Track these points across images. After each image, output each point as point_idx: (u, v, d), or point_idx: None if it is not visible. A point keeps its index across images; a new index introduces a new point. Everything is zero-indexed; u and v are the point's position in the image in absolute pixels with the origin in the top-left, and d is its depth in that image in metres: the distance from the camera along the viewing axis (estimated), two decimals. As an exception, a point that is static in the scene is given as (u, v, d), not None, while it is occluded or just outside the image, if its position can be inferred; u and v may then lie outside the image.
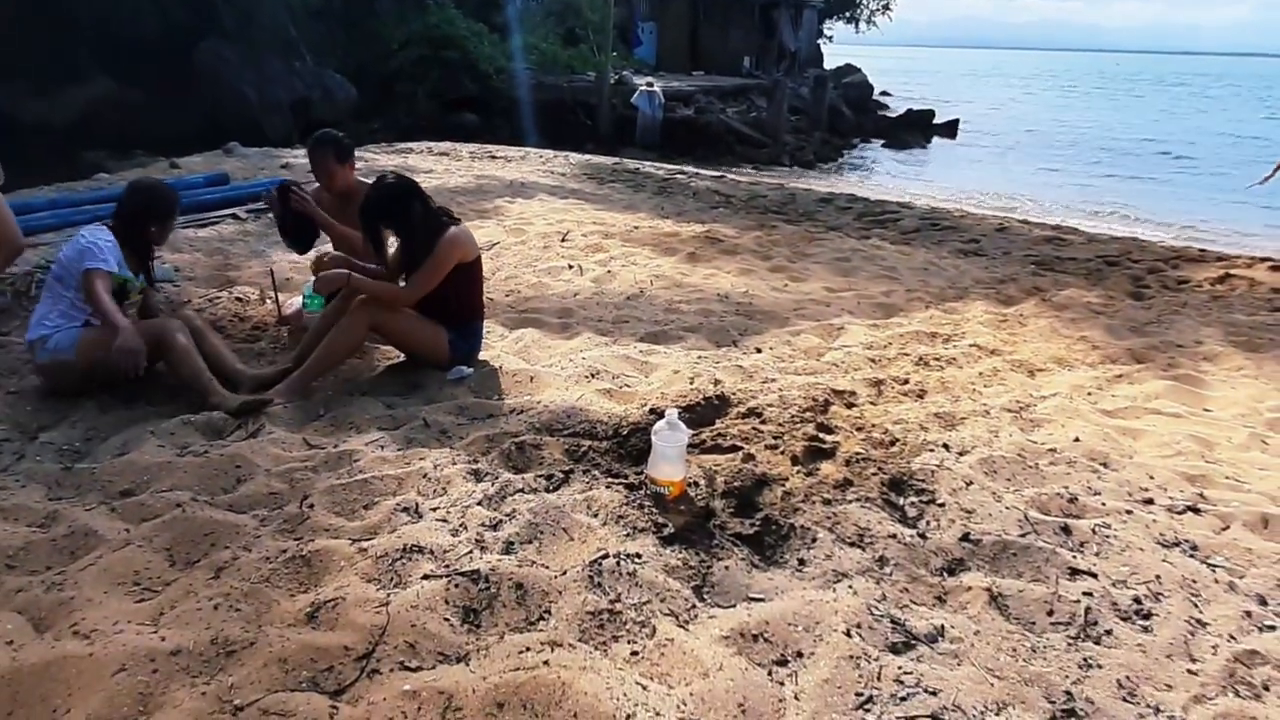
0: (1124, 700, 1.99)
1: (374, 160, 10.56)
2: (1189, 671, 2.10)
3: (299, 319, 4.17)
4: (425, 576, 2.28)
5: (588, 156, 13.29)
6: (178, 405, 3.46)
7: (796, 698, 1.93)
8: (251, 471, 2.90)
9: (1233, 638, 2.24)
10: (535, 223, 7.45)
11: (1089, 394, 3.97)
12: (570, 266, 5.97)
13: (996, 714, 1.90)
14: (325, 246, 4.62)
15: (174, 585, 2.25)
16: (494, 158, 12.08)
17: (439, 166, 10.62)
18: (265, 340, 4.34)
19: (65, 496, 2.72)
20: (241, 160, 10.13)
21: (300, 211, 4.21)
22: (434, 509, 2.68)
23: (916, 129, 25.66)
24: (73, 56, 14.55)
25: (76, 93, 14.49)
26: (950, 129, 26.58)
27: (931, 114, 27.19)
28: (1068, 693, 1.99)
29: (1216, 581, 2.47)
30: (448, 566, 2.33)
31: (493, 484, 2.83)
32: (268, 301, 4.81)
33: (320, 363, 3.62)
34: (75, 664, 1.89)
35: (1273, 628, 2.28)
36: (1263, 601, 2.40)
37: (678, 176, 11.35)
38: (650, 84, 20.03)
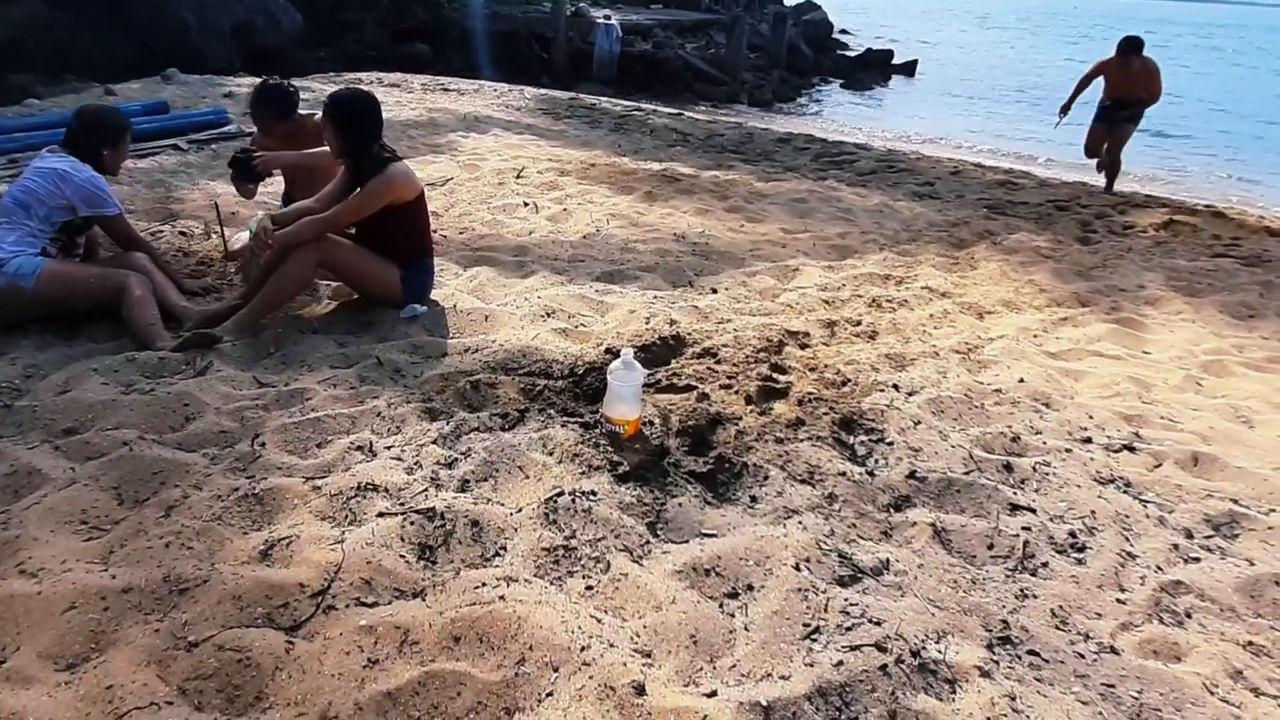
0: (1057, 628, 2.09)
1: (321, 91, 10.19)
2: (1118, 601, 2.22)
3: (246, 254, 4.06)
4: (380, 514, 2.29)
5: (543, 91, 12.97)
6: (121, 342, 3.38)
7: (746, 629, 1.99)
8: (200, 410, 2.85)
9: (1160, 569, 2.35)
10: (490, 159, 7.30)
11: (1035, 336, 4.07)
12: (526, 204, 5.88)
13: (937, 642, 1.98)
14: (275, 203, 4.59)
15: (123, 524, 2.22)
16: (447, 90, 11.74)
17: (389, 98, 10.30)
18: (211, 276, 4.23)
19: (6, 435, 2.65)
20: (181, 88, 9.70)
21: (266, 174, 4.18)
22: (388, 447, 2.68)
23: (875, 69, 25.44)
24: (-4, -26, 13.68)
25: (1, 14, 13.67)
26: (909, 69, 26.47)
27: (890, 54, 26.99)
28: (1004, 621, 2.08)
29: (1147, 516, 2.59)
30: (403, 504, 2.34)
31: (448, 422, 2.83)
32: (213, 236, 4.68)
33: (269, 299, 3.55)
34: (24, 603, 1.87)
35: (1197, 559, 2.41)
36: (1189, 535, 2.53)
37: (635, 113, 11.17)
38: (608, 17, 19.55)
